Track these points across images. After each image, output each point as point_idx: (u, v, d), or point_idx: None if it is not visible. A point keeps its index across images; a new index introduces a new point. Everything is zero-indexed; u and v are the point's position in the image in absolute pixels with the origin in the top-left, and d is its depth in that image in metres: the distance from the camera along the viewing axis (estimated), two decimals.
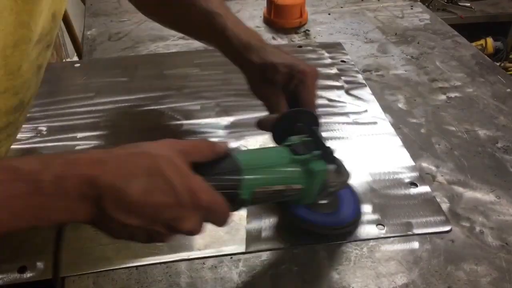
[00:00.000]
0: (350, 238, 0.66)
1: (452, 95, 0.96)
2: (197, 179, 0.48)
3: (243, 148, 0.79)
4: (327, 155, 0.58)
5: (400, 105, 0.93)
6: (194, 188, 0.47)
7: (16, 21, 0.54)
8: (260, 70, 0.68)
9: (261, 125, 0.70)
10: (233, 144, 0.81)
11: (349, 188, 0.69)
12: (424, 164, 0.79)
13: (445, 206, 0.71)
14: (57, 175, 0.43)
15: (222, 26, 0.71)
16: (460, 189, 0.74)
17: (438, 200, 0.72)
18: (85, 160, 0.45)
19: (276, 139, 0.66)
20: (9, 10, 0.52)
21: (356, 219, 0.66)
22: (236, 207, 0.54)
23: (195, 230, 0.49)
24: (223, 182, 0.52)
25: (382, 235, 0.66)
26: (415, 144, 0.83)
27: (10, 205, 0.42)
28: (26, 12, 0.55)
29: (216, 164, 0.52)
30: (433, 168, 0.78)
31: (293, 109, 0.66)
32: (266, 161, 0.56)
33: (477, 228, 0.68)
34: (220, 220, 0.52)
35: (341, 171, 0.62)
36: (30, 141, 0.82)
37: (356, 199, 0.68)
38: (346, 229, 0.66)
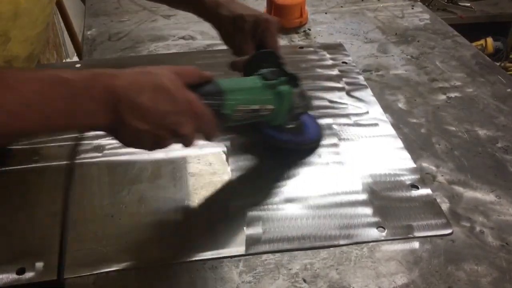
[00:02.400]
0: (350, 240, 0.66)
1: (452, 95, 0.96)
2: (190, 93, 0.59)
3: None
4: (292, 80, 0.71)
5: (400, 105, 0.93)
6: (190, 99, 0.58)
7: None
8: (230, 22, 0.81)
9: (234, 66, 0.81)
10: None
11: (312, 117, 0.83)
12: (424, 164, 0.79)
13: (445, 206, 0.71)
14: (87, 84, 0.54)
15: None
16: (460, 189, 0.74)
17: (438, 200, 0.72)
18: (107, 74, 0.56)
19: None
20: None
21: (317, 139, 0.81)
22: (222, 123, 0.64)
23: (190, 137, 0.59)
24: (209, 100, 0.62)
25: (383, 238, 0.66)
26: (415, 144, 0.83)
27: (46, 107, 0.51)
28: None
29: (203, 87, 0.62)
30: (433, 168, 0.78)
31: (261, 50, 0.79)
32: (243, 85, 0.68)
33: (478, 228, 0.68)
34: (209, 130, 0.62)
35: (305, 96, 0.75)
36: (31, 141, 0.82)
37: (317, 125, 0.83)
38: (310, 145, 0.80)
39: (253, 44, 0.81)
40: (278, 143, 0.78)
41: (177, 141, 0.59)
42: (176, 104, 0.57)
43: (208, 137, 0.63)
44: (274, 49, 0.80)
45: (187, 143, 0.60)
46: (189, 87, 0.60)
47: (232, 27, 0.82)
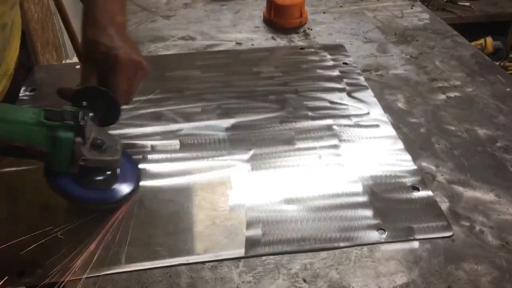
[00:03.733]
0: (350, 242, 0.65)
1: (452, 94, 0.96)
2: None
3: None
4: (79, 128, 0.61)
5: (399, 105, 0.93)
6: None
7: None
8: (87, 46, 0.72)
9: (61, 93, 0.73)
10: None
11: (133, 168, 0.72)
12: (424, 164, 0.79)
13: (445, 205, 0.71)
14: None
15: (90, 1, 0.75)
16: (460, 189, 0.74)
17: (438, 199, 0.72)
18: None
19: None
20: None
21: (125, 196, 0.68)
22: None
23: None
24: None
25: (383, 240, 0.66)
26: (415, 144, 0.83)
27: None
28: None
29: None
30: (433, 167, 0.78)
31: (91, 85, 0.69)
32: (10, 115, 0.60)
33: (477, 228, 0.68)
34: None
35: (104, 151, 0.64)
36: None
37: (132, 179, 0.70)
38: (115, 204, 0.67)
39: (95, 76, 0.70)
40: (66, 197, 0.66)
41: None
42: None
43: None
44: (113, 91, 0.68)
45: None
46: None
47: (86, 51, 0.72)
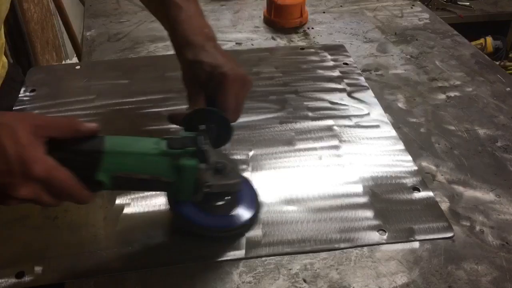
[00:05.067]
0: (350, 243, 0.65)
1: (452, 94, 0.96)
2: (36, 151, 0.51)
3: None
4: (201, 154, 0.59)
5: (399, 105, 0.93)
6: (26, 158, 0.50)
7: None
8: (190, 67, 0.70)
9: (172, 119, 0.72)
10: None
11: (251, 191, 0.70)
12: (424, 164, 0.79)
13: (445, 205, 0.71)
14: None
15: (173, 18, 0.72)
16: (460, 188, 0.74)
17: (438, 199, 0.72)
18: None
19: None
20: None
21: (244, 225, 0.66)
22: (96, 188, 0.56)
23: (35, 199, 0.53)
24: (79, 160, 0.54)
25: (384, 241, 0.66)
26: (415, 144, 0.83)
27: None
28: None
29: (79, 142, 0.55)
30: (433, 167, 0.78)
31: (202, 107, 0.67)
32: (134, 147, 0.58)
33: (478, 227, 0.68)
34: (71, 197, 0.55)
35: (226, 175, 0.62)
36: None
37: (252, 203, 0.68)
38: (237, 231, 0.66)
39: (203, 97, 0.69)
40: (187, 224, 0.65)
41: (21, 201, 0.53)
42: (6, 162, 0.50)
43: (75, 202, 0.56)
44: (225, 110, 0.67)
45: (42, 205, 0.54)
46: (59, 142, 0.53)
47: (189, 72, 0.70)
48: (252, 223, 0.67)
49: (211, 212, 0.65)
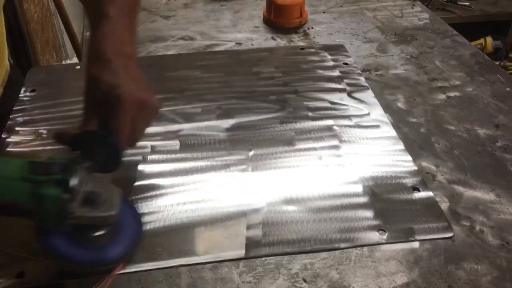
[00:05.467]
0: (350, 243, 0.65)
1: (452, 94, 0.96)
2: None
3: None
4: (66, 183, 0.54)
5: (399, 105, 0.93)
6: None
7: None
8: (89, 83, 0.64)
9: (58, 138, 0.64)
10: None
11: (133, 220, 0.64)
12: (424, 164, 0.79)
13: (445, 205, 0.71)
14: None
15: (96, 27, 0.68)
16: (460, 188, 0.74)
17: (438, 199, 0.72)
18: None
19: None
20: None
21: (117, 258, 0.60)
22: None
23: None
24: None
25: (384, 241, 0.66)
26: (415, 144, 0.83)
27: None
28: None
29: None
30: (433, 167, 0.78)
31: (89, 129, 0.61)
32: None
33: (477, 227, 0.68)
34: None
35: (97, 206, 0.57)
36: (30, 144, 0.82)
37: (133, 235, 0.63)
38: (99, 267, 0.59)
39: (96, 118, 0.63)
40: (56, 258, 0.59)
41: None
42: None
43: None
44: (114, 134, 0.61)
45: None
46: None
47: (87, 88, 0.64)
48: (129, 254, 0.62)
49: (85, 244, 0.59)
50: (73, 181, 0.55)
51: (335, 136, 0.84)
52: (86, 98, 0.64)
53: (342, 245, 0.65)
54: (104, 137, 0.60)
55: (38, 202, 0.54)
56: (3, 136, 0.84)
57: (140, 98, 0.63)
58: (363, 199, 0.72)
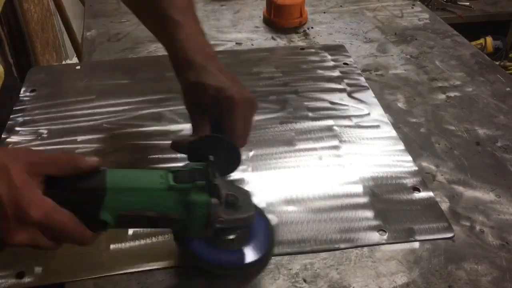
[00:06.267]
0: (350, 243, 0.65)
1: (452, 94, 0.96)
2: (32, 193, 0.47)
3: None
4: (213, 188, 0.54)
5: (399, 105, 0.93)
6: (21, 202, 0.46)
7: None
8: (192, 89, 0.65)
9: (175, 146, 0.66)
10: None
11: (264, 222, 0.64)
12: (424, 164, 0.79)
13: (445, 205, 0.71)
14: None
15: (173, 36, 0.68)
16: (460, 188, 0.74)
17: (438, 199, 0.72)
18: None
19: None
20: None
21: (259, 259, 0.60)
22: (99, 228, 0.52)
23: (32, 244, 0.49)
24: (80, 198, 0.50)
25: (384, 242, 0.66)
26: (415, 144, 0.83)
27: None
28: None
29: (80, 180, 0.51)
30: (433, 167, 0.78)
31: (208, 134, 0.62)
32: (139, 183, 0.53)
33: (478, 227, 0.68)
34: (72, 239, 0.51)
35: (238, 208, 0.57)
36: (31, 144, 0.82)
37: (266, 237, 0.63)
38: (244, 270, 0.61)
39: (208, 122, 0.64)
40: (198, 261, 0.59)
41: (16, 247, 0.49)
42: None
43: (77, 244, 0.52)
44: (233, 136, 0.62)
45: (40, 249, 0.50)
46: (61, 179, 0.50)
47: (192, 95, 0.65)
48: (267, 260, 0.62)
49: (221, 247, 0.60)
50: (218, 185, 0.54)
51: (335, 136, 0.84)
52: (191, 105, 0.65)
53: (342, 245, 0.65)
54: (223, 139, 0.61)
55: (188, 210, 0.54)
56: (3, 136, 0.84)
57: (248, 97, 0.64)
58: (363, 200, 0.72)
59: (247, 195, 0.60)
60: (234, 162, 0.64)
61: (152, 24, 0.77)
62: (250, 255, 0.60)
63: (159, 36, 0.74)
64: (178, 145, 0.66)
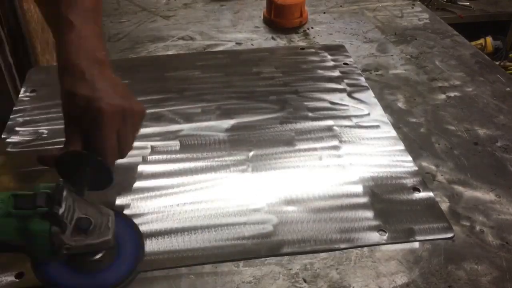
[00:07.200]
0: (350, 243, 0.65)
1: (452, 94, 0.96)
2: None
3: None
4: (54, 216, 0.52)
5: (399, 105, 0.93)
6: None
7: None
8: (65, 98, 0.59)
9: (42, 161, 0.60)
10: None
11: (135, 233, 0.63)
12: (424, 164, 0.79)
13: (445, 205, 0.71)
14: None
15: (62, 37, 0.63)
16: (460, 188, 0.74)
17: (438, 199, 0.72)
18: None
19: (64, 177, 0.57)
20: None
21: (125, 276, 0.59)
22: None
23: None
24: None
25: (384, 242, 0.66)
26: (415, 144, 0.83)
27: None
28: None
29: None
30: (433, 167, 0.78)
31: (73, 150, 0.57)
32: None
33: (477, 227, 0.68)
34: None
35: (91, 233, 0.55)
36: (31, 144, 0.82)
37: (132, 256, 0.60)
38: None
39: (79, 135, 0.58)
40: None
41: None
42: None
43: None
44: (100, 152, 0.57)
45: None
46: None
47: (64, 105, 0.60)
48: (134, 275, 0.60)
49: (88, 268, 0.57)
50: (61, 211, 0.52)
51: (335, 136, 0.84)
52: (64, 115, 0.60)
53: (342, 245, 0.65)
54: (89, 156, 0.57)
55: (27, 237, 0.52)
56: (3, 136, 0.84)
57: (122, 107, 0.58)
58: (363, 200, 0.72)
59: (107, 217, 0.56)
60: (106, 180, 0.59)
61: (54, 25, 0.72)
62: (115, 274, 0.58)
63: (55, 37, 0.69)
64: (44, 159, 0.60)
